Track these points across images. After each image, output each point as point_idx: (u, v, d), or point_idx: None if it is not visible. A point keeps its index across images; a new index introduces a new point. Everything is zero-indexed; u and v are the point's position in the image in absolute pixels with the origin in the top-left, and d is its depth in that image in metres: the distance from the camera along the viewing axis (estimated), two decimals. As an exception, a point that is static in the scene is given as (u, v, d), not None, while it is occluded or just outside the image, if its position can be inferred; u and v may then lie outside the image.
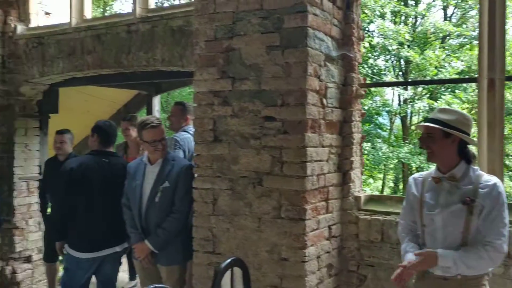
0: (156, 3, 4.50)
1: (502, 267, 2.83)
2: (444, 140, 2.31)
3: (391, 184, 17.24)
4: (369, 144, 12.80)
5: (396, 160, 13.46)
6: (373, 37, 13.22)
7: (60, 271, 5.11)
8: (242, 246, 3.05)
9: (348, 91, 3.36)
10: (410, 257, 2.35)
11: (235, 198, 3.08)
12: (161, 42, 4.11)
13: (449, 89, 13.15)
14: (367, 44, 12.50)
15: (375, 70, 13.65)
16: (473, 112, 11.03)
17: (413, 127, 15.65)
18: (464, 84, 12.34)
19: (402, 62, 14.59)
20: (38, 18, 5.20)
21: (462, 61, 13.00)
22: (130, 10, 4.40)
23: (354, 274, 3.32)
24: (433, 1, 14.64)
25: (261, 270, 3.00)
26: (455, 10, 15.15)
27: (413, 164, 12.99)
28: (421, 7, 14.57)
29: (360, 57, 3.48)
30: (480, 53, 3.10)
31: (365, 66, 12.90)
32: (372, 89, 12.88)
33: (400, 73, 14.82)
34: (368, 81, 3.81)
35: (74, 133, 4.86)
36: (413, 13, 14.28)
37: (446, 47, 14.02)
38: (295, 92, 2.89)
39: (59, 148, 4.65)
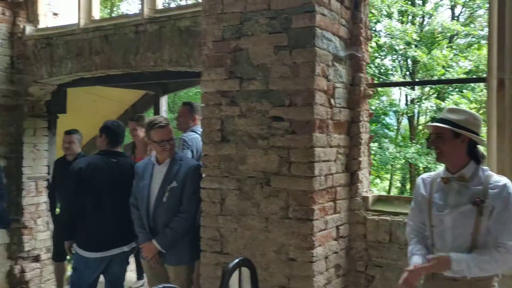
0: (163, 3, 4.51)
1: (512, 268, 2.80)
2: (453, 140, 2.29)
3: (398, 185, 17.18)
4: (376, 144, 12.76)
5: (403, 160, 13.40)
6: (380, 37, 13.17)
7: (68, 270, 5.15)
8: (250, 246, 3.05)
9: (356, 91, 3.35)
10: (416, 260, 2.34)
11: (242, 198, 3.08)
12: (168, 43, 4.12)
13: (457, 89, 13.07)
14: (374, 44, 12.44)
15: (382, 70, 13.59)
16: (481, 112, 10.95)
17: (420, 127, 15.59)
18: (472, 84, 12.26)
19: (409, 62, 14.53)
20: (46, 19, 5.24)
21: (470, 60, 12.90)
22: (137, 11, 4.42)
23: (362, 274, 3.31)
24: (440, 1, 14.58)
25: (268, 270, 3.00)
26: (463, 9, 15.06)
27: (420, 165, 12.93)
28: (429, 7, 14.50)
29: (368, 57, 3.47)
30: (489, 53, 3.08)
31: (372, 66, 12.85)
32: (379, 89, 12.83)
33: (407, 73, 14.76)
34: (375, 81, 3.80)
35: (82, 133, 4.89)
36: (421, 12, 14.21)
37: (454, 47, 13.94)
38: (303, 92, 2.89)
39: (68, 148, 4.68)
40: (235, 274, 2.36)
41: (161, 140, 3.28)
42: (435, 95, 13.87)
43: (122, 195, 3.46)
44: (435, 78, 12.76)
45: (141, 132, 4.76)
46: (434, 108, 12.74)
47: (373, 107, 12.62)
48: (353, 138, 3.35)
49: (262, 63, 3.01)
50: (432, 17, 14.44)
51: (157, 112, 6.08)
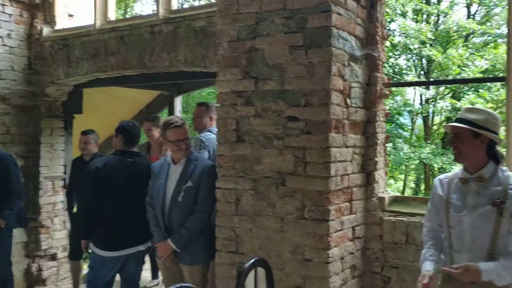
0: (178, 4, 4.54)
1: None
2: (473, 141, 2.26)
3: (412, 185, 17.03)
4: (390, 144, 12.66)
5: (418, 161, 13.28)
6: (394, 36, 13.07)
7: (84, 269, 5.21)
8: (265, 246, 3.05)
9: (372, 91, 3.32)
10: (428, 266, 2.33)
11: (258, 198, 3.08)
12: (184, 43, 4.13)
13: (473, 88, 12.91)
14: (388, 43, 12.34)
15: (396, 70, 13.49)
16: (498, 111, 10.80)
17: (435, 127, 15.43)
18: (489, 83, 12.09)
19: (424, 61, 14.39)
20: (63, 21, 5.30)
21: (486, 59, 12.74)
22: (150, 12, 4.44)
23: (378, 275, 3.28)
24: (456, -1, 14.41)
25: (284, 271, 2.99)
26: (479, 8, 14.87)
27: (435, 165, 12.81)
28: (444, 5, 14.34)
29: (384, 57, 3.45)
30: (508, 52, 3.03)
31: (386, 65, 12.75)
32: (393, 88, 12.72)
33: (422, 72, 14.62)
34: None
35: (98, 133, 4.94)
36: (436, 11, 14.06)
37: (470, 46, 13.77)
38: (319, 92, 2.88)
39: (84, 149, 4.74)
40: (251, 274, 2.36)
41: (176, 139, 3.30)
42: (450, 95, 13.73)
43: (138, 195, 3.49)
44: (451, 77, 12.62)
45: (156, 132, 4.79)
46: (449, 108, 12.61)
47: (387, 107, 12.51)
48: (369, 138, 3.33)
49: (277, 63, 3.00)
50: (447, 16, 14.29)
51: (171, 112, 6.11)
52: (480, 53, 13.16)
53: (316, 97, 2.88)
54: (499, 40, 12.94)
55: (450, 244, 2.35)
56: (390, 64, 13.16)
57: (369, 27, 3.33)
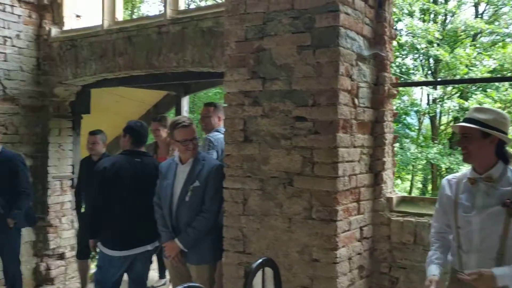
0: (185, 4, 4.54)
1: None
2: (482, 141, 2.25)
3: (419, 185, 16.95)
4: (397, 144, 12.60)
5: (425, 161, 13.22)
6: (401, 36, 13.02)
7: (92, 268, 5.24)
8: (273, 246, 3.05)
9: (380, 90, 3.31)
10: (434, 270, 2.33)
11: (265, 198, 3.08)
12: (191, 43, 4.14)
13: (480, 88, 12.83)
14: (395, 43, 12.29)
15: (403, 69, 13.44)
16: (506, 111, 10.72)
17: (442, 127, 15.35)
18: (497, 83, 12.01)
19: (431, 61, 14.32)
20: (71, 21, 5.33)
21: (494, 59, 12.65)
22: (157, 12, 4.46)
23: (385, 276, 3.27)
24: (463, -2, 14.33)
25: (291, 271, 2.99)
26: (487, 7, 14.77)
27: (443, 165, 12.75)
28: (451, 4, 14.26)
29: (392, 56, 3.43)
30: (518, 51, 3.00)
31: (393, 65, 12.66)
32: (400, 88, 12.65)
33: (429, 72, 14.55)
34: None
35: (105, 133, 4.96)
36: (443, 10, 13.99)
37: (478, 45, 13.68)
38: (327, 92, 2.87)
39: (92, 149, 4.76)
40: (259, 274, 2.36)
41: (184, 139, 3.31)
42: (458, 95, 13.65)
43: (146, 195, 3.50)
44: (458, 77, 12.55)
45: (163, 132, 4.81)
46: (457, 107, 12.54)
47: (394, 107, 12.46)
48: (377, 138, 3.32)
49: (285, 63, 3.00)
50: (455, 15, 14.21)
51: (178, 112, 6.13)
52: (488, 53, 13.08)
53: (324, 97, 2.88)
54: (508, 40, 12.85)
55: (458, 244, 2.34)
56: (397, 64, 13.11)
57: (377, 26, 3.32)
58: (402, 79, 12.20)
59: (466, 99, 12.38)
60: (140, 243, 3.56)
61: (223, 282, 3.30)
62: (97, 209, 3.59)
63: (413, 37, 12.94)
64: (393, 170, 3.48)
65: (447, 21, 14.53)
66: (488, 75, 12.27)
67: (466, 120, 2.30)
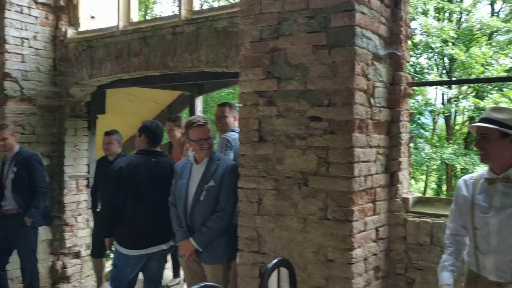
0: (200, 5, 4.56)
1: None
2: (501, 141, 2.22)
3: (434, 186, 16.79)
4: (411, 144, 12.50)
5: (439, 161, 13.09)
6: (415, 35, 12.90)
7: (107, 267, 5.29)
8: (288, 247, 3.04)
9: (396, 90, 3.29)
10: (447, 279, 2.33)
11: (280, 198, 3.08)
12: (205, 44, 4.15)
13: (496, 88, 12.66)
14: (409, 42, 12.19)
15: (417, 69, 13.32)
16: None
17: (457, 127, 15.18)
18: (513, 82, 11.83)
19: (446, 60, 14.17)
20: (87, 22, 5.39)
21: (511, 58, 12.46)
22: (170, 13, 4.48)
23: (401, 277, 3.24)
24: (479, -4, 14.15)
25: (306, 271, 2.98)
26: (503, 5, 14.57)
27: (458, 166, 12.60)
28: (466, 3, 14.09)
29: (408, 56, 3.41)
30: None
31: (407, 64, 12.59)
32: (414, 88, 12.54)
33: (444, 71, 14.40)
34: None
35: (120, 133, 5.00)
36: (458, 9, 13.84)
37: (494, 44, 13.49)
38: (342, 92, 2.86)
39: (107, 149, 4.81)
40: (274, 274, 2.36)
41: (199, 138, 3.32)
42: (473, 94, 13.48)
43: (162, 194, 3.52)
44: (474, 76, 12.39)
45: (177, 132, 4.83)
46: (472, 107, 12.39)
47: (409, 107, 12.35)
48: (393, 138, 3.29)
49: (300, 63, 2.99)
50: (470, 14, 14.04)
51: (192, 112, 6.15)
52: (505, 52, 12.88)
53: (340, 96, 2.87)
54: (525, 38, 12.65)
55: (475, 245, 2.31)
56: (411, 63, 13.00)
57: (393, 26, 3.30)
58: (416, 78, 12.08)
59: (482, 99, 12.23)
60: (156, 242, 3.58)
61: (237, 281, 3.31)
62: (113, 208, 3.62)
63: (428, 36, 12.82)
64: (409, 171, 3.45)
65: (462, 19, 14.36)
66: (505, 74, 12.09)
67: (484, 120, 2.27)
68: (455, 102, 13.22)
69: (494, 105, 2.49)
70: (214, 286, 2.06)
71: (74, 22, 5.33)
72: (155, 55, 4.50)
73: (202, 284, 1.99)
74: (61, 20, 5.31)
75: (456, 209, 2.44)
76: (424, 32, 13.03)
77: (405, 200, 3.28)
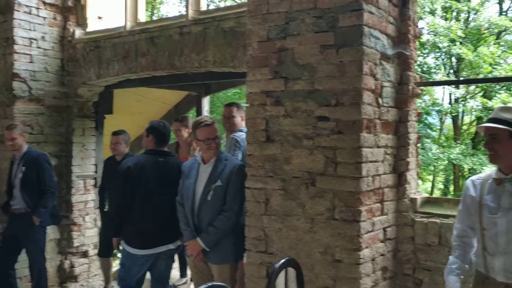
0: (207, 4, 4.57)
1: None
2: (510, 141, 2.21)
3: (441, 186, 16.70)
4: (418, 144, 12.43)
5: (447, 161, 13.01)
6: (422, 34, 12.84)
7: (114, 266, 5.31)
8: (295, 247, 3.04)
9: (404, 90, 3.27)
10: (453, 281, 2.32)
11: (287, 198, 3.08)
12: (212, 44, 4.16)
13: (505, 87, 12.57)
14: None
15: (424, 68, 13.26)
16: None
17: (465, 127, 15.09)
18: (522, 82, 11.74)
19: (454, 59, 14.09)
20: (94, 23, 5.41)
21: (520, 57, 12.38)
22: (177, 13, 4.48)
23: (409, 277, 3.23)
24: (487, -5, 14.05)
25: (314, 271, 2.97)
26: (512, 4, 14.47)
27: (465, 166, 12.52)
28: (474, 2, 14.01)
29: (416, 55, 3.39)
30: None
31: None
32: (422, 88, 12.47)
33: (451, 71, 14.31)
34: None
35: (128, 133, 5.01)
36: (466, 8, 13.75)
37: (502, 43, 13.40)
38: (350, 92, 2.85)
39: (114, 149, 4.83)
40: (281, 274, 2.36)
41: (206, 138, 3.33)
42: (481, 94, 13.40)
43: (169, 194, 3.53)
44: (481, 76, 12.31)
45: (184, 133, 4.84)
46: (480, 107, 12.31)
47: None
48: (401, 138, 3.28)
49: (307, 63, 2.99)
50: (478, 13, 13.94)
51: (199, 112, 6.16)
52: (513, 51, 12.80)
53: (347, 96, 2.86)
54: (533, 37, 12.55)
55: (483, 246, 2.30)
56: (418, 63, 12.94)
57: (401, 25, 3.28)
58: (423, 78, 12.03)
59: (490, 98, 12.14)
60: (163, 242, 3.59)
61: (244, 281, 3.31)
62: (121, 208, 3.63)
63: (435, 35, 12.75)
64: (417, 171, 3.44)
65: (470, 18, 14.27)
66: (513, 73, 12.02)
67: (492, 120, 2.26)
68: (463, 102, 13.14)
69: (503, 105, 2.47)
70: (221, 286, 2.06)
71: (81, 22, 5.35)
72: (163, 55, 4.51)
73: (209, 284, 2.00)
74: (69, 20, 5.33)
75: (463, 209, 2.43)
76: (431, 31, 12.96)
77: (413, 200, 3.27)
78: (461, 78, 13.54)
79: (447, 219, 3.14)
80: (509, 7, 14.65)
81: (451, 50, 12.74)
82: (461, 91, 13.19)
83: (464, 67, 13.83)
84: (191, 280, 4.73)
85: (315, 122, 2.97)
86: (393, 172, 3.24)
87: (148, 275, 3.73)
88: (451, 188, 15.52)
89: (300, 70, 3.02)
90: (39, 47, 5.17)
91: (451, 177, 15.44)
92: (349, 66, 2.85)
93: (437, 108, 13.74)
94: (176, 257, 4.52)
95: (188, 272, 5.02)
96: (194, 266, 3.51)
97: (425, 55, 13.61)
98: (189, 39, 4.32)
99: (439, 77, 12.96)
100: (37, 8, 5.14)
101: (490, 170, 2.37)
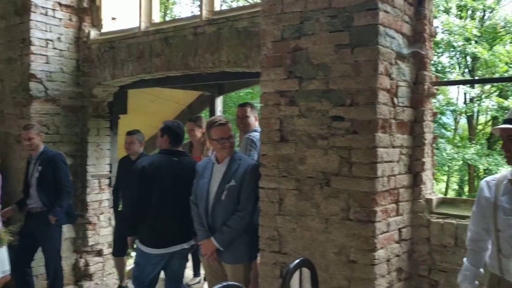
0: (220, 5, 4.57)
1: None
2: (528, 142, 2.18)
3: (455, 187, 16.51)
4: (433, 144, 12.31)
5: (461, 162, 12.87)
6: (437, 33, 12.71)
7: (128, 265, 5.35)
8: (309, 247, 3.03)
9: (419, 89, 3.24)
10: None
11: (301, 199, 3.07)
12: (226, 44, 4.16)
13: (521, 87, 12.40)
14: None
15: (438, 68, 13.12)
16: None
17: (480, 127, 14.91)
18: (538, 81, 11.56)
19: (469, 58, 13.92)
20: (109, 24, 5.46)
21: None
22: (189, 14, 4.49)
23: (425, 279, 3.20)
24: (503, -6, 13.86)
25: (328, 272, 2.96)
26: (528, 2, 14.23)
27: (481, 166, 12.36)
28: (490, 0, 13.82)
29: (432, 55, 3.35)
30: None
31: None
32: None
33: (466, 70, 14.14)
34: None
35: (142, 133, 5.05)
36: (481, 6, 13.57)
37: (518, 42, 13.21)
38: (365, 91, 2.83)
39: (128, 149, 4.87)
40: (296, 274, 2.35)
41: (220, 137, 3.34)
42: (496, 93, 13.22)
43: (183, 193, 3.54)
44: (497, 75, 12.14)
45: (198, 132, 4.86)
46: (495, 106, 12.15)
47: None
48: (416, 138, 3.25)
49: (322, 63, 2.98)
50: (494, 11, 13.75)
51: (212, 112, 6.18)
52: (530, 50, 12.61)
53: (362, 96, 2.84)
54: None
55: (498, 248, 2.27)
56: (433, 62, 12.81)
57: (417, 24, 3.25)
58: (438, 78, 11.91)
59: (506, 98, 11.99)
60: (177, 241, 3.61)
61: (258, 281, 3.31)
62: (135, 207, 3.66)
63: (450, 34, 12.61)
64: (433, 171, 3.40)
65: (485, 17, 14.08)
66: (530, 73, 11.84)
67: (508, 121, 2.23)
68: (478, 102, 12.98)
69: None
70: (236, 286, 2.06)
71: (96, 23, 5.39)
72: (177, 56, 4.53)
73: (224, 284, 2.00)
74: (84, 21, 5.37)
75: (478, 211, 2.41)
76: (446, 30, 12.82)
77: (429, 201, 3.24)
78: (476, 78, 13.37)
79: (464, 220, 3.09)
80: (526, 5, 14.43)
81: (466, 49, 12.60)
82: (476, 90, 13.04)
83: (479, 66, 13.66)
84: (205, 279, 4.75)
85: (330, 122, 2.95)
86: (408, 172, 3.21)
87: (162, 274, 3.75)
88: (466, 188, 15.33)
89: (315, 70, 3.00)
90: (55, 48, 5.23)
91: (466, 178, 15.26)
92: (364, 66, 2.83)
93: (451, 108, 13.59)
94: (190, 256, 4.55)
95: (202, 271, 5.04)
96: (208, 266, 3.52)
97: (440, 54, 13.48)
98: (203, 39, 4.33)
99: (453, 76, 12.82)
100: (53, 10, 5.20)
101: (505, 170, 2.33)
